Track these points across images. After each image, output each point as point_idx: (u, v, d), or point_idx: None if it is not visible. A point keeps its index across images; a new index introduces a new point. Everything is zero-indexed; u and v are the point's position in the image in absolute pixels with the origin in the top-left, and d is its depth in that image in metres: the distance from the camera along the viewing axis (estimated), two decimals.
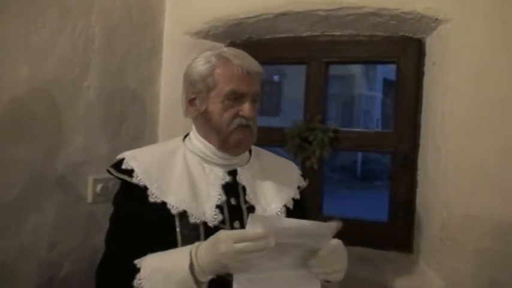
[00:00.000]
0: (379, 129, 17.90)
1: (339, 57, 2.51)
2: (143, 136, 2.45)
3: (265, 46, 2.56)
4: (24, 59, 1.84)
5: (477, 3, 2.04)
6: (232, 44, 2.58)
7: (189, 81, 1.54)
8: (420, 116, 2.34)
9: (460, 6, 2.07)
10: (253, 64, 1.50)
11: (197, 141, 1.56)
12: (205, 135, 1.54)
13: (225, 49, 1.55)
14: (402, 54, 2.36)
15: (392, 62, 2.44)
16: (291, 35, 2.52)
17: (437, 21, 2.14)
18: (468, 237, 2.04)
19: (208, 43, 2.56)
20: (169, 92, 2.55)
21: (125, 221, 1.49)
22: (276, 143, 2.53)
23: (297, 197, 1.67)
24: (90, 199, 2.15)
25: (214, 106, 1.49)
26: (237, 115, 1.48)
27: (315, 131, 2.42)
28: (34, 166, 1.90)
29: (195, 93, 1.52)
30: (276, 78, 18.41)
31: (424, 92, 2.32)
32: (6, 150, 1.80)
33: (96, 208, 2.14)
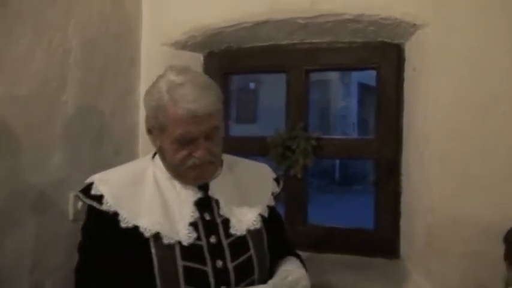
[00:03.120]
0: (356, 135, 18.06)
1: (319, 64, 2.51)
2: (124, 149, 2.41)
3: (244, 55, 2.55)
4: None
5: (455, 8, 2.06)
6: (211, 54, 2.57)
7: (146, 111, 1.48)
8: (402, 122, 2.35)
9: (438, 11, 2.09)
10: (202, 106, 1.38)
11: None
12: (165, 166, 1.50)
13: (178, 83, 1.40)
14: (382, 60, 2.37)
15: (373, 68, 2.44)
16: (271, 43, 2.51)
17: (415, 27, 2.15)
18: (454, 241, 2.05)
19: (187, 53, 2.54)
20: None
21: (96, 250, 1.45)
22: (257, 152, 2.51)
23: (272, 203, 1.66)
24: (71, 216, 2.09)
25: (167, 146, 1.43)
26: (189, 156, 1.42)
27: (297, 139, 2.41)
28: (13, 184, 1.84)
29: (151, 126, 1.47)
30: (251, 85, 18.46)
31: (405, 98, 2.33)
32: None
33: (78, 225, 2.02)
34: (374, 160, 2.43)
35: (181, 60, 2.53)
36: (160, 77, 1.45)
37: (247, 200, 1.57)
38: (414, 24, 2.15)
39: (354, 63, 2.46)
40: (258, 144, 2.54)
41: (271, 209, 1.64)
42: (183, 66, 1.48)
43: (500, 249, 1.70)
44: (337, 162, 18.06)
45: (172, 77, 1.42)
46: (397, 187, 2.34)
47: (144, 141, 2.52)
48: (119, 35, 2.36)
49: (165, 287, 1.38)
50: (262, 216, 1.58)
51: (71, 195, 2.09)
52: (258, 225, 1.54)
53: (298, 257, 1.69)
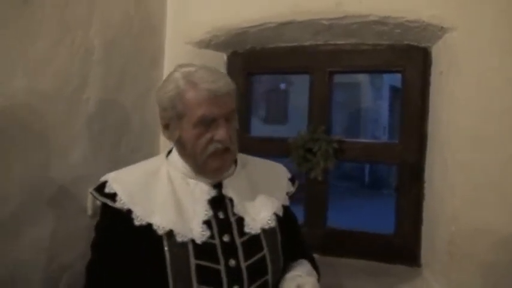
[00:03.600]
0: (386, 139, 17.84)
1: (343, 66, 2.47)
2: (143, 147, 2.42)
3: (267, 55, 2.53)
4: (22, 72, 1.80)
5: (483, 11, 2.00)
6: (234, 54, 2.55)
7: (161, 107, 1.48)
8: (426, 127, 2.29)
9: (466, 14, 2.03)
10: (221, 84, 1.41)
11: (178, 160, 1.52)
12: (184, 160, 1.50)
13: (193, 70, 1.44)
14: (408, 63, 2.32)
15: (398, 71, 2.39)
16: (294, 44, 2.49)
17: (442, 30, 2.10)
18: (476, 251, 1.99)
19: (210, 53, 2.53)
20: None
21: (109, 248, 1.45)
22: (279, 154, 2.48)
23: (286, 203, 1.64)
24: (89, 212, 2.11)
25: (187, 133, 1.43)
26: (211, 140, 1.42)
27: (319, 142, 2.38)
28: (31, 180, 1.86)
29: (168, 119, 1.47)
30: (282, 86, 18.39)
31: (431, 102, 2.28)
32: (2, 164, 1.76)
33: (96, 222, 2.10)
34: (397, 165, 2.38)
35: (205, 59, 2.51)
36: (171, 73, 1.48)
37: (261, 198, 1.56)
38: (442, 28, 2.10)
39: (379, 65, 2.41)
40: (279, 145, 2.51)
41: (285, 208, 1.63)
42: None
43: None
44: (367, 166, 17.90)
45: (184, 68, 1.46)
46: (420, 193, 2.29)
47: (164, 139, 2.52)
48: (142, 34, 2.37)
49: (177, 285, 1.38)
50: (276, 215, 1.57)
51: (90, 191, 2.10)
52: (272, 224, 1.53)
53: (311, 259, 1.68)
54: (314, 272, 1.59)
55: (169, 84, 1.45)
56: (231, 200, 1.51)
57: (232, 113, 1.45)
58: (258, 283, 1.46)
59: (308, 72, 2.53)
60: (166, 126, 1.50)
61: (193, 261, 1.39)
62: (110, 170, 2.04)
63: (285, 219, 1.61)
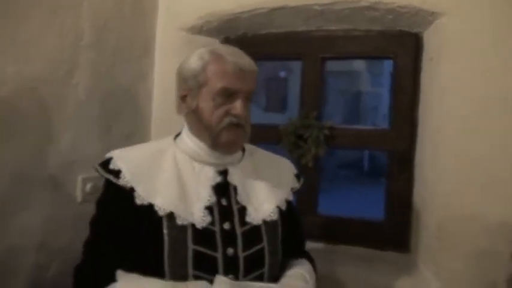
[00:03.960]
0: (386, 126, 17.83)
1: (335, 52, 2.45)
2: (135, 134, 2.41)
3: (260, 41, 2.51)
4: (11, 56, 1.79)
5: None
6: (227, 40, 2.54)
7: (182, 78, 1.50)
8: (417, 113, 2.29)
9: (457, 0, 2.01)
10: (247, 62, 1.46)
11: (188, 139, 1.52)
12: (196, 134, 1.50)
13: (219, 46, 1.52)
14: (399, 49, 2.31)
15: (390, 57, 2.38)
16: (286, 30, 2.47)
17: (433, 15, 2.08)
18: (465, 237, 2.00)
19: (202, 39, 2.51)
20: (162, 89, 2.51)
21: (109, 225, 1.46)
22: (270, 140, 2.48)
23: (290, 198, 1.64)
24: (79, 199, 2.11)
25: (205, 103, 1.44)
26: (227, 113, 1.44)
27: (310, 128, 2.37)
28: (21, 165, 1.85)
29: (187, 90, 1.48)
30: (282, 74, 18.34)
31: (422, 88, 2.26)
32: None
33: (86, 208, 2.06)
34: (388, 151, 2.37)
35: (197, 45, 2.49)
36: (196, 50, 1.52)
37: (265, 190, 1.56)
38: (433, 13, 2.08)
39: (371, 51, 2.39)
40: (271, 132, 2.51)
41: (289, 204, 1.62)
42: None
43: (510, 247, 1.65)
44: (366, 153, 17.90)
45: (210, 46, 1.51)
46: (410, 179, 2.29)
47: (156, 126, 2.52)
48: (133, 18, 2.35)
49: (173, 269, 1.38)
50: (279, 209, 1.56)
51: (80, 178, 2.11)
52: (274, 216, 1.53)
53: (311, 260, 1.68)
54: (314, 274, 1.60)
55: (193, 56, 1.49)
56: (235, 188, 1.51)
57: (251, 93, 1.48)
58: (253, 274, 1.46)
59: (300, 59, 2.51)
60: (183, 98, 1.51)
61: (191, 246, 1.39)
62: (100, 156, 2.03)
63: (288, 214, 1.61)
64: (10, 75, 1.79)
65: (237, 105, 1.43)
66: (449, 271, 2.02)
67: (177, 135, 1.59)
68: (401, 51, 2.30)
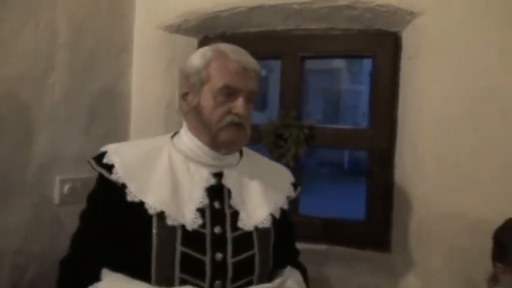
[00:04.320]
0: (366, 125, 17.94)
1: (314, 51, 2.45)
2: (114, 134, 2.37)
3: (239, 40, 2.42)
4: None
5: None
6: (206, 39, 2.52)
7: (184, 75, 1.49)
8: (397, 112, 2.29)
9: None
10: (250, 61, 1.45)
11: (187, 138, 1.50)
12: (196, 132, 1.48)
13: (223, 44, 1.49)
14: (378, 48, 2.31)
15: (369, 56, 2.39)
16: (265, 28, 2.46)
17: (412, 14, 2.09)
18: (445, 236, 2.01)
19: (181, 37, 2.50)
20: (140, 87, 2.49)
21: (98, 220, 1.43)
22: (252, 140, 2.45)
23: (285, 207, 1.62)
24: (57, 200, 2.08)
25: (207, 101, 1.43)
26: (229, 112, 1.42)
27: (290, 128, 2.37)
28: None
29: (189, 87, 1.47)
30: (263, 72, 18.35)
31: (401, 88, 2.27)
32: None
33: (64, 209, 2.07)
34: (367, 150, 2.38)
35: (175, 44, 2.49)
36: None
37: (260, 196, 1.53)
38: (411, 12, 2.09)
39: (350, 50, 2.40)
40: (253, 131, 2.49)
41: (283, 212, 1.60)
42: None
43: (490, 246, 1.66)
44: (346, 152, 17.99)
45: (212, 44, 1.50)
46: (390, 179, 2.29)
47: (135, 126, 2.49)
48: (110, 17, 2.32)
49: (159, 270, 1.36)
50: (273, 216, 1.54)
51: (57, 179, 2.08)
52: (267, 224, 1.50)
53: (304, 271, 1.66)
54: (304, 285, 1.58)
55: (197, 54, 1.48)
56: (229, 192, 1.49)
57: (253, 94, 1.47)
58: (241, 281, 1.44)
59: (280, 58, 2.50)
60: (184, 95, 1.49)
61: (179, 248, 1.37)
62: (78, 157, 2.02)
63: (281, 222, 1.58)
64: None
65: (239, 104, 1.42)
66: (430, 270, 2.03)
67: (174, 134, 1.57)
68: (380, 50, 2.30)
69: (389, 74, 2.30)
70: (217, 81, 1.41)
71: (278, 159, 2.38)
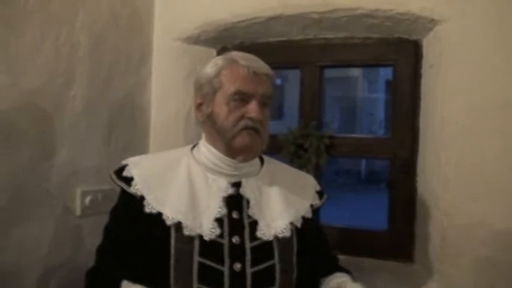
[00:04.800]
0: (382, 133, 17.83)
1: (333, 60, 2.44)
2: (134, 146, 2.38)
3: (257, 50, 2.43)
4: (6, 69, 1.77)
5: (474, 3, 1.97)
6: (224, 49, 2.52)
7: (197, 86, 1.51)
8: (418, 121, 2.27)
9: (457, 6, 2.00)
10: (261, 65, 1.46)
11: (205, 149, 1.51)
12: (212, 141, 1.49)
13: (234, 52, 1.52)
14: (398, 57, 2.29)
15: (389, 65, 2.37)
16: (284, 38, 2.46)
17: (433, 22, 2.07)
18: (469, 246, 1.97)
19: (199, 48, 2.51)
20: (160, 99, 2.49)
21: (120, 232, 1.46)
22: (270, 150, 2.44)
23: (308, 215, 1.58)
24: (78, 212, 2.08)
25: (220, 108, 1.44)
26: (242, 117, 1.43)
27: (310, 138, 2.35)
28: (18, 179, 1.82)
29: (202, 97, 1.49)
30: (278, 81, 18.39)
31: (422, 96, 2.25)
32: None
33: (85, 221, 2.08)
34: (389, 160, 2.35)
35: (194, 55, 2.50)
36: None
37: (281, 205, 1.52)
38: (432, 20, 2.07)
39: (369, 59, 2.38)
40: (270, 141, 2.47)
41: (308, 221, 1.57)
42: None
43: None
44: (363, 160, 17.88)
45: (223, 54, 1.53)
46: (412, 188, 2.26)
47: (155, 137, 2.50)
48: (130, 29, 2.33)
49: (177, 281, 1.37)
50: (294, 226, 1.52)
51: (79, 191, 2.08)
52: (287, 233, 1.48)
53: (348, 272, 1.65)
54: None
55: (209, 64, 1.50)
56: (248, 202, 1.48)
57: (267, 99, 1.47)
58: None
59: (298, 67, 2.50)
60: (199, 106, 1.51)
61: (196, 258, 1.38)
62: (98, 169, 2.03)
63: (306, 231, 1.55)
64: (6, 88, 1.77)
65: (252, 108, 1.42)
66: (454, 282, 2.00)
67: (195, 145, 1.58)
68: (401, 58, 2.28)
69: (410, 82, 2.28)
70: (229, 87, 1.43)
71: (298, 169, 2.36)
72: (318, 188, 1.69)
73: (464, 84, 2.00)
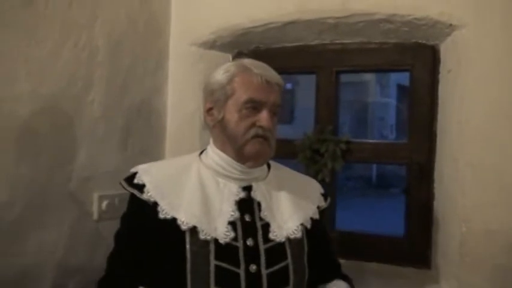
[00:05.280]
0: (393, 137, 17.77)
1: (350, 65, 2.44)
2: (150, 150, 2.39)
3: (273, 55, 2.49)
4: (25, 74, 1.79)
5: (493, 8, 1.96)
6: (240, 54, 2.53)
7: (208, 91, 1.50)
8: (436, 126, 2.26)
9: (475, 11, 1.99)
10: (273, 75, 1.46)
11: (214, 153, 1.51)
12: (221, 146, 1.49)
13: (246, 59, 1.51)
14: (416, 62, 2.28)
15: (406, 70, 2.36)
16: (300, 43, 2.46)
17: (451, 27, 2.06)
18: (488, 253, 1.96)
19: (215, 53, 2.51)
20: (176, 104, 2.51)
21: (132, 239, 1.46)
22: (286, 155, 2.45)
23: (316, 216, 1.59)
24: (95, 216, 2.10)
25: (231, 115, 1.44)
26: (253, 125, 1.43)
27: (326, 143, 2.35)
28: (36, 183, 1.85)
29: (213, 102, 1.48)
30: (288, 85, 18.40)
31: (440, 101, 2.24)
32: (7, 168, 1.75)
33: (102, 225, 2.09)
34: (406, 165, 2.34)
35: (210, 60, 2.51)
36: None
37: (290, 207, 1.53)
38: (450, 25, 2.06)
39: (386, 64, 2.38)
40: (286, 146, 2.48)
41: (316, 222, 1.58)
42: None
43: None
44: (374, 165, 17.82)
45: (235, 60, 1.53)
46: (430, 194, 2.25)
47: (171, 141, 2.51)
48: (147, 34, 2.35)
49: (194, 285, 1.37)
50: (304, 227, 1.53)
51: (96, 195, 2.09)
52: (298, 234, 1.49)
53: (347, 280, 1.64)
54: None
55: (220, 70, 1.48)
56: (259, 205, 1.49)
57: (277, 106, 1.47)
58: None
59: (314, 72, 2.50)
60: (209, 110, 1.50)
61: (213, 262, 1.38)
62: (116, 173, 2.04)
63: (315, 233, 1.56)
64: (25, 93, 1.80)
65: (263, 117, 1.43)
66: (472, 287, 1.98)
67: (202, 151, 1.58)
68: (418, 63, 2.28)
69: (427, 87, 2.27)
70: (242, 94, 1.42)
71: (314, 174, 2.36)
72: (322, 190, 1.70)
73: (483, 89, 1.98)
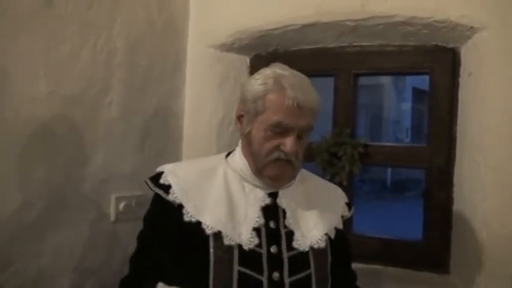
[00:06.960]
0: (409, 141, 17.64)
1: (368, 68, 2.41)
2: (167, 152, 2.39)
3: (291, 58, 2.47)
4: (44, 76, 1.80)
5: None
6: (258, 57, 2.52)
7: (242, 97, 1.47)
8: (455, 129, 2.23)
9: (497, 14, 1.96)
10: (308, 99, 1.39)
11: (240, 158, 1.50)
12: (246, 156, 1.48)
13: (286, 74, 1.42)
14: (435, 65, 2.26)
15: (425, 73, 2.33)
16: (318, 46, 2.44)
17: (472, 30, 2.03)
18: (508, 258, 1.92)
19: (233, 56, 2.51)
20: (193, 106, 2.50)
21: (155, 240, 1.46)
22: (304, 158, 2.42)
23: (340, 226, 1.59)
24: (112, 217, 2.10)
25: (257, 132, 1.41)
26: (277, 148, 1.40)
27: (344, 146, 2.33)
28: (54, 184, 1.85)
29: (244, 110, 1.46)
30: None
31: (460, 104, 2.21)
32: (25, 169, 1.75)
33: (119, 227, 2.10)
34: (425, 169, 2.31)
35: (228, 62, 2.51)
36: (264, 69, 1.47)
37: (315, 216, 1.52)
38: (471, 28, 2.03)
39: (405, 67, 2.35)
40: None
41: (339, 232, 1.57)
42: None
43: None
44: (388, 168, 17.69)
45: (278, 69, 1.44)
46: (449, 198, 2.22)
47: (187, 144, 2.50)
48: (165, 36, 2.35)
49: None
50: (328, 236, 1.52)
51: (113, 197, 2.10)
52: (322, 244, 1.48)
53: None
54: None
55: (258, 80, 1.43)
56: (284, 212, 1.48)
57: (307, 131, 1.43)
58: None
59: (333, 75, 2.48)
60: (239, 117, 1.49)
61: (236, 268, 1.37)
62: (133, 175, 2.04)
63: (338, 242, 1.56)
64: (43, 95, 1.80)
65: (288, 142, 1.38)
66: None
67: (229, 153, 1.57)
68: (438, 66, 2.25)
69: (447, 90, 2.24)
70: (271, 116, 1.38)
71: (332, 177, 2.34)
72: (346, 199, 1.69)
73: (504, 92, 1.96)
